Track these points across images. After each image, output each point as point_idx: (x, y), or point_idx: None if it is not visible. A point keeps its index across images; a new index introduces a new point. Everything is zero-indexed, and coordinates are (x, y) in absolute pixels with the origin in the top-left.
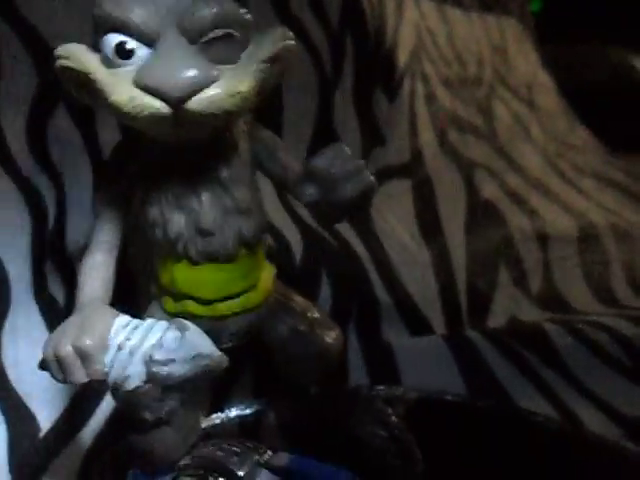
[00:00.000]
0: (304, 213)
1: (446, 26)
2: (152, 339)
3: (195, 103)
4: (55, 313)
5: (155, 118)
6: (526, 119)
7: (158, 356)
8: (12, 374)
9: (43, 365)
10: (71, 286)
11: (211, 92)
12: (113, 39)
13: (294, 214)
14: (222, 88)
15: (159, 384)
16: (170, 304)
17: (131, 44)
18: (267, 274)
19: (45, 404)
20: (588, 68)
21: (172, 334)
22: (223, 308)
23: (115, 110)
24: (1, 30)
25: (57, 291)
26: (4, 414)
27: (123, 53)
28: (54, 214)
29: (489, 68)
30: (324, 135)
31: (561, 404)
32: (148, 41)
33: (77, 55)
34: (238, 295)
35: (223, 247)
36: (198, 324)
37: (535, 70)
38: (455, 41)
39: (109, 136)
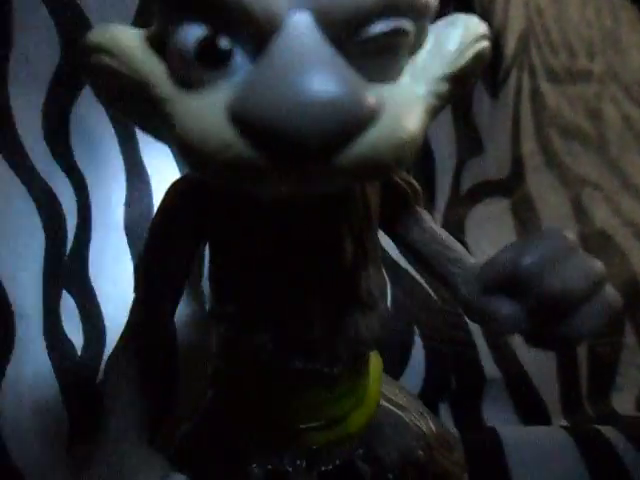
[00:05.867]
0: (394, 251)
1: (557, 4)
2: None
3: (341, 161)
4: (69, 362)
5: (264, 178)
6: (639, 125)
7: None
8: (12, 445)
9: None
10: (92, 327)
11: (368, 141)
12: (193, 33)
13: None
14: (385, 132)
15: None
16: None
17: (226, 42)
18: (375, 373)
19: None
20: None
21: None
22: (316, 439)
23: (190, 157)
24: None
25: (73, 331)
26: None
27: (211, 58)
28: (74, 230)
29: (600, 60)
30: None
31: None
32: (258, 38)
33: (128, 50)
34: (338, 421)
35: (330, 360)
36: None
37: None
38: (565, 25)
39: None
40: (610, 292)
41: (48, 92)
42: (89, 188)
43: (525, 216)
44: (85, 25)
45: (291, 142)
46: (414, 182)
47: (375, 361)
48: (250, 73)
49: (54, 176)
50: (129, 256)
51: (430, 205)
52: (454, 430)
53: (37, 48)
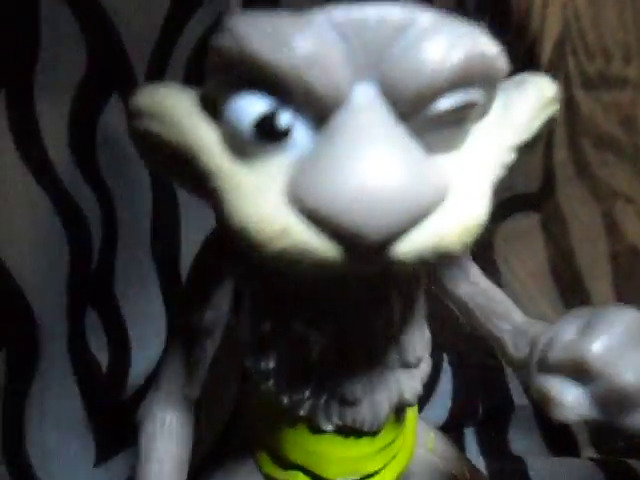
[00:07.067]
0: None
1: (594, 7)
2: None
3: (402, 250)
4: (94, 381)
5: (318, 265)
6: None
7: None
8: (38, 463)
9: None
10: (117, 345)
11: (433, 229)
12: (252, 105)
13: None
14: (451, 217)
15: None
16: (270, 466)
17: (286, 118)
18: (411, 422)
19: None
20: None
21: None
22: None
23: (243, 240)
24: None
25: (99, 349)
26: None
27: (269, 133)
28: (99, 245)
29: (636, 64)
30: None
31: None
32: (320, 112)
33: (176, 116)
34: (372, 474)
35: (371, 419)
36: None
37: None
38: (602, 28)
39: None
40: None
41: (74, 102)
42: (115, 202)
43: (555, 231)
44: (113, 34)
45: (348, 233)
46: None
47: (412, 410)
48: (310, 150)
49: (80, 189)
50: (154, 273)
51: None
52: (479, 458)
53: (63, 57)
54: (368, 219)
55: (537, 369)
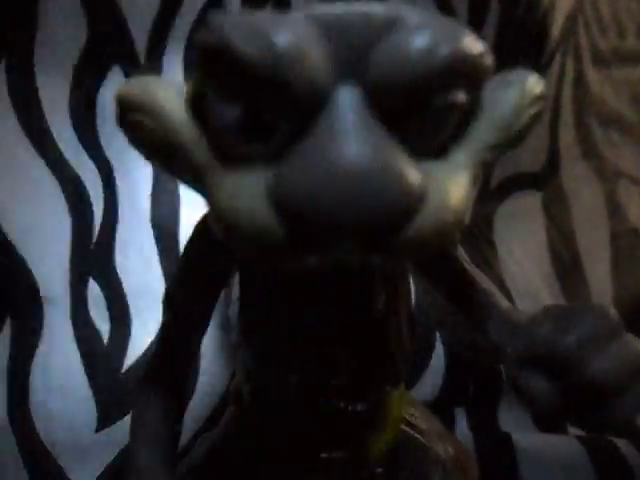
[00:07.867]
0: None
1: None
2: None
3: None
4: (95, 352)
5: (300, 263)
6: None
7: None
8: (42, 428)
9: None
10: (118, 316)
11: (414, 228)
12: (234, 104)
13: None
14: (431, 217)
15: None
16: None
17: (269, 118)
18: (398, 399)
19: (77, 463)
20: None
21: None
22: (334, 467)
23: (227, 238)
24: None
25: (101, 320)
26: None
27: (253, 130)
28: (101, 217)
29: None
30: None
31: None
32: (302, 114)
33: (164, 111)
34: (359, 449)
35: (354, 401)
36: None
37: None
38: (617, 1)
39: None
40: None
41: (74, 75)
42: (115, 173)
43: (556, 211)
44: (113, 5)
45: (326, 230)
46: None
47: (398, 387)
48: (291, 152)
49: (81, 162)
50: (154, 247)
51: None
52: (469, 434)
53: (63, 30)
54: (346, 211)
55: (515, 362)
